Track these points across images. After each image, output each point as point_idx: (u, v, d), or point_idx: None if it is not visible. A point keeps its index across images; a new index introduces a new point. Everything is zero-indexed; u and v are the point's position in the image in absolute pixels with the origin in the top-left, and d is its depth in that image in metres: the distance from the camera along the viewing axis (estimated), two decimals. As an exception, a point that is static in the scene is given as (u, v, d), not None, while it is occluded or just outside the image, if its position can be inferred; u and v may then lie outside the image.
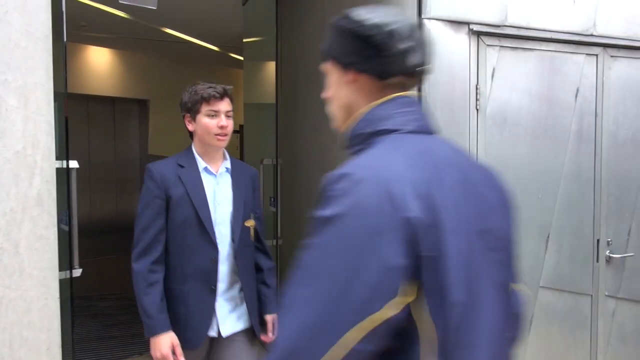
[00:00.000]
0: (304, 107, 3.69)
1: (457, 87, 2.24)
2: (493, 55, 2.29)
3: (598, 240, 2.48)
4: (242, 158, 5.81)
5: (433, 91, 2.20)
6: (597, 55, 2.47)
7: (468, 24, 2.24)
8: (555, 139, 2.40)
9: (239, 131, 7.42)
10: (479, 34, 2.26)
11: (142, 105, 8.16)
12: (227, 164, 1.94)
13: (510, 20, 2.31)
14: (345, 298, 0.72)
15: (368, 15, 0.90)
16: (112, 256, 5.91)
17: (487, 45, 2.28)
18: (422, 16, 2.19)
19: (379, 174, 0.78)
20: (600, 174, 2.48)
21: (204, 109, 1.83)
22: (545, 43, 2.38)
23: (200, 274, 1.82)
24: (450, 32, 2.22)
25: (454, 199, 0.80)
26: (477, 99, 2.27)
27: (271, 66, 4.06)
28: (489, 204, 0.89)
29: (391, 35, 0.87)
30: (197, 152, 1.90)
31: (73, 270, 2.33)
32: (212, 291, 1.83)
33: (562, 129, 2.42)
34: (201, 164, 1.88)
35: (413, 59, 0.89)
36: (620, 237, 2.52)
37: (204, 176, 1.87)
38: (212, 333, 1.85)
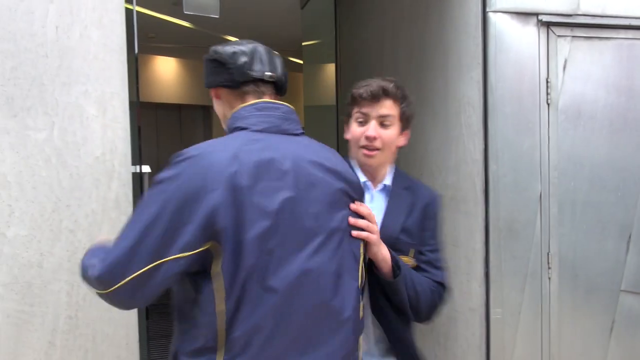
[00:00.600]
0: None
1: (525, 81, 2.15)
2: (564, 46, 2.18)
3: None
4: (302, 160, 5.87)
5: (500, 86, 2.13)
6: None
7: (537, 14, 2.15)
8: (636, 132, 2.25)
9: (299, 134, 7.53)
10: (548, 24, 2.16)
11: (206, 111, 8.47)
12: (388, 180, 1.53)
13: (583, 9, 2.19)
14: (151, 237, 0.98)
15: (221, 46, 1.21)
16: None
17: (558, 36, 2.17)
18: (487, 9, 2.13)
19: (203, 156, 1.04)
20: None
21: (354, 112, 1.48)
22: (623, 30, 2.23)
23: None
24: (517, 25, 2.13)
25: (266, 185, 1.03)
26: (547, 93, 2.16)
27: (331, 68, 4.08)
28: (311, 195, 1.08)
29: (233, 54, 1.17)
30: (356, 162, 1.52)
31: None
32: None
33: (644, 121, 2.26)
34: (362, 178, 1.49)
35: (254, 69, 1.17)
36: None
37: None
38: None
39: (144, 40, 5.78)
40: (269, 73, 1.19)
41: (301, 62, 5.19)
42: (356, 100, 1.47)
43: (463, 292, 2.29)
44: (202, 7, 4.36)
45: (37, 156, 1.65)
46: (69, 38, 1.66)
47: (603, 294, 2.25)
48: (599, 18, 2.20)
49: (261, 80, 1.19)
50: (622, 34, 2.23)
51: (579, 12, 2.18)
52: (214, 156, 1.03)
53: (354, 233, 1.19)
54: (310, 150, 1.16)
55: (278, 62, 1.23)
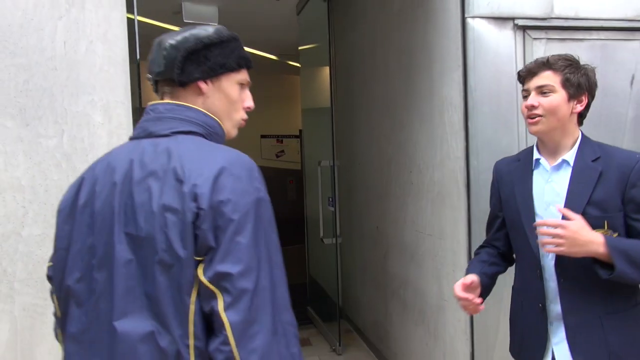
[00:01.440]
0: (359, 109, 3.82)
1: (503, 83, 2.28)
2: (540, 48, 2.31)
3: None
4: (301, 161, 6.02)
5: (480, 87, 2.26)
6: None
7: (513, 19, 2.28)
8: (611, 128, 2.37)
9: (298, 135, 7.66)
10: (524, 28, 2.29)
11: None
12: (569, 155, 1.51)
13: (557, 12, 2.32)
14: None
15: None
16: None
17: (534, 38, 2.30)
18: (466, 15, 2.26)
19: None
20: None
21: (522, 91, 1.57)
22: (596, 32, 2.36)
23: (527, 287, 1.59)
24: (494, 29, 2.27)
25: (97, 197, 1.03)
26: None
27: (325, 72, 4.22)
28: (133, 204, 0.97)
29: None
30: (536, 140, 1.59)
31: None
32: (542, 310, 1.53)
33: (618, 117, 2.39)
34: (535, 155, 1.57)
35: (148, 70, 1.11)
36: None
37: (537, 171, 1.57)
38: None
39: (146, 47, 5.94)
40: (148, 75, 1.11)
41: (299, 65, 5.33)
42: (520, 80, 1.57)
43: (450, 282, 2.42)
44: (201, 15, 4.51)
45: (49, 161, 1.81)
46: (76, 52, 1.82)
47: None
48: (572, 20, 2.33)
49: (156, 82, 1.10)
50: (595, 35, 2.36)
51: (553, 16, 2.32)
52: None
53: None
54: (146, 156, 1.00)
55: (160, 56, 1.06)
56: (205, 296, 0.91)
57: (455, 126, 2.34)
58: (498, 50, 2.27)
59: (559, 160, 1.52)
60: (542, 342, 1.53)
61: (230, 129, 1.14)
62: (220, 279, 0.89)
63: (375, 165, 3.46)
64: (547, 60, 1.51)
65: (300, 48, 4.80)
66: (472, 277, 1.54)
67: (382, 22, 3.21)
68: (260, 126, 7.79)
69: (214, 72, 1.08)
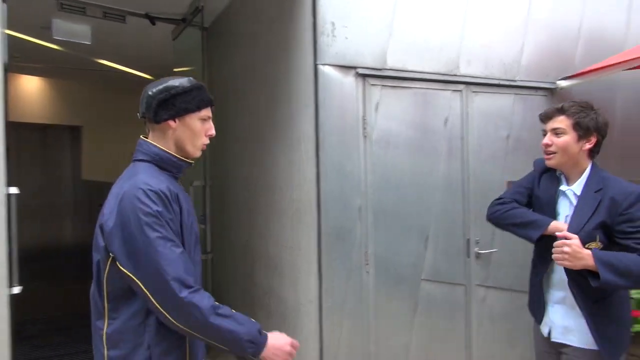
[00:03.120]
0: (232, 134, 4.11)
1: (347, 119, 2.76)
2: (376, 92, 2.84)
3: (468, 240, 3.07)
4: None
5: (328, 122, 2.71)
6: (461, 91, 3.08)
7: (355, 67, 2.78)
8: (429, 158, 2.97)
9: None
10: (364, 76, 2.80)
11: (75, 131, 8.21)
12: (577, 184, 1.92)
13: (390, 64, 2.87)
14: None
15: None
16: (44, 281, 5.97)
17: (371, 84, 2.83)
18: (317, 62, 2.71)
19: None
20: (468, 186, 3.07)
21: (541, 129, 1.99)
22: (419, 82, 2.96)
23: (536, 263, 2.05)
24: (340, 75, 2.74)
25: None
26: (364, 128, 2.79)
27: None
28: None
29: None
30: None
31: (13, 288, 2.58)
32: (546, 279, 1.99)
33: (435, 150, 3.00)
34: (561, 181, 1.99)
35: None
36: (486, 237, 3.11)
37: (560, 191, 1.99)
38: (545, 329, 2.02)
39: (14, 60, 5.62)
40: (139, 114, 1.50)
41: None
42: (541, 120, 1.97)
43: (304, 288, 2.81)
44: (72, 33, 4.47)
45: None
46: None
47: (408, 282, 2.92)
48: (401, 72, 2.90)
49: (143, 117, 1.50)
50: (418, 84, 2.96)
51: (386, 67, 2.86)
52: None
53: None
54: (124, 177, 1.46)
55: (144, 101, 1.47)
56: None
57: (309, 153, 2.76)
58: (343, 92, 2.75)
59: (569, 188, 1.94)
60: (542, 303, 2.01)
61: (195, 152, 1.53)
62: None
63: (246, 185, 3.77)
64: (562, 106, 1.90)
65: (175, 70, 4.96)
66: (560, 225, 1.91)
67: (253, 55, 3.57)
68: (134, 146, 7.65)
69: (179, 114, 1.47)
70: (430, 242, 2.97)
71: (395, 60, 2.89)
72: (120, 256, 1.32)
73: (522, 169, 3.14)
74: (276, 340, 1.43)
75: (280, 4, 3.05)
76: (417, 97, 2.95)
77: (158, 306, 1.31)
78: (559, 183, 2.01)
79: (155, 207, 1.33)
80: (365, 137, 2.80)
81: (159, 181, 1.39)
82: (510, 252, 3.12)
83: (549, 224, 1.91)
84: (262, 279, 3.50)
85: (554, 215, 1.97)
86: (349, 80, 2.77)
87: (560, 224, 1.91)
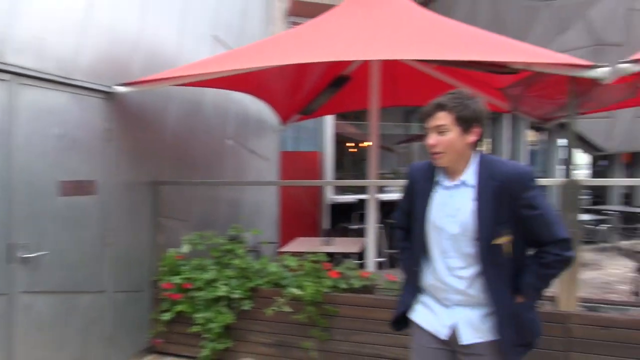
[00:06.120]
0: None
1: None
2: None
3: (9, 244, 2.79)
4: None
5: None
6: (9, 81, 2.79)
7: None
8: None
9: None
10: None
11: None
12: (467, 175, 1.83)
13: None
14: None
15: None
16: None
17: None
18: None
19: None
20: (12, 184, 2.80)
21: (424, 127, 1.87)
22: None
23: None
24: None
25: None
26: None
27: None
28: None
29: None
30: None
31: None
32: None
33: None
34: (435, 177, 1.91)
35: None
36: (35, 239, 2.92)
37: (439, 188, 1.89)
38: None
39: None
40: None
41: None
42: (421, 120, 1.85)
43: None
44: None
45: None
46: None
47: None
48: None
49: None
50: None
51: None
52: None
53: None
54: None
55: None
56: None
57: None
58: None
59: (458, 181, 1.84)
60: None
61: None
62: None
63: None
64: (440, 102, 1.80)
65: None
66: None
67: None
68: None
69: None
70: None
71: None
72: None
73: (77, 168, 3.15)
74: None
75: None
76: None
77: None
78: (434, 176, 1.92)
79: None
80: None
81: None
82: (61, 252, 3.04)
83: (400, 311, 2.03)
84: None
85: (426, 207, 1.90)
86: None
87: None
